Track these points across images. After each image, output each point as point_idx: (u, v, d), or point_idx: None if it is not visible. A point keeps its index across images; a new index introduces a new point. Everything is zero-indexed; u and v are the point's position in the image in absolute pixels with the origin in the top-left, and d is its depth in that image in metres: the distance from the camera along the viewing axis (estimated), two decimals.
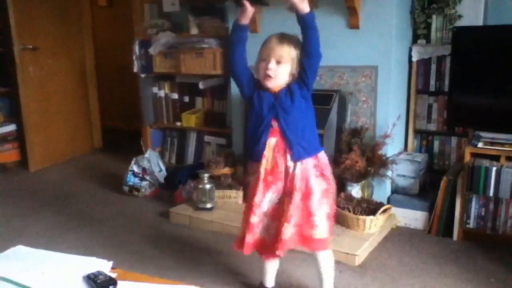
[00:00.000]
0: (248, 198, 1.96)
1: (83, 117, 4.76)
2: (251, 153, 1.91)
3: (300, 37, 1.79)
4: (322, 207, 1.87)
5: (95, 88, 4.85)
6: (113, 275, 1.29)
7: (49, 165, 4.31)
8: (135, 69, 3.89)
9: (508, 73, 2.59)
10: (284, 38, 1.79)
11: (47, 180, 3.98)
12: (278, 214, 1.88)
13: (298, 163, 1.83)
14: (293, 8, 1.73)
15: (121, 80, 5.38)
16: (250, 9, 1.76)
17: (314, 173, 1.86)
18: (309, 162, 1.85)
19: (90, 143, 4.86)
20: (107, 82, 5.34)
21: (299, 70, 1.80)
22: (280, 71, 1.78)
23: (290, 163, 1.84)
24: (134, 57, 3.85)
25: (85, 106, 4.77)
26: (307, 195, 1.85)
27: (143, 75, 3.93)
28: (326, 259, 1.98)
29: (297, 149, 1.82)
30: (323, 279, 2.00)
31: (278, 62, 1.77)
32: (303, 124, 1.84)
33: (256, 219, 1.88)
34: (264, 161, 1.84)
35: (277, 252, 1.86)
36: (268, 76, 1.78)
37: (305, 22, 1.73)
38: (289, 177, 1.85)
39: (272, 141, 1.84)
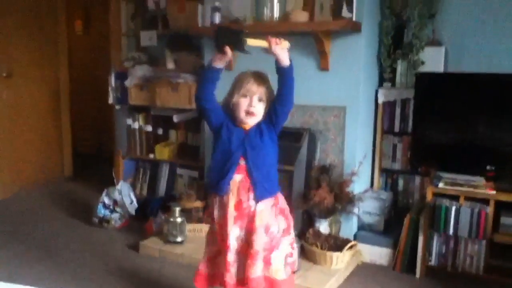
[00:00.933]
0: (212, 234, 1.99)
1: (55, 145, 4.74)
2: (214, 186, 1.93)
3: (269, 75, 1.89)
4: (282, 247, 1.93)
5: (68, 115, 4.86)
6: None
7: (17, 192, 4.24)
8: (111, 100, 3.94)
9: (466, 118, 2.77)
10: (262, 77, 1.87)
11: (14, 208, 3.92)
12: (246, 253, 1.91)
13: (259, 203, 1.87)
14: (270, 53, 1.81)
15: (94, 108, 5.40)
16: (229, 56, 1.80)
17: (274, 212, 1.91)
18: (268, 202, 1.89)
19: (61, 171, 4.83)
20: (81, 109, 5.35)
21: (270, 113, 1.88)
22: (262, 109, 1.86)
23: (252, 202, 1.87)
24: (109, 89, 3.91)
25: (57, 134, 4.76)
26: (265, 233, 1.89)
27: (118, 107, 3.97)
28: None
29: (260, 189, 1.86)
30: None
31: (260, 100, 1.85)
32: (269, 164, 1.90)
33: (232, 257, 1.90)
34: (231, 197, 1.87)
35: None
36: (251, 113, 1.84)
37: (285, 73, 1.81)
38: (249, 217, 1.88)
39: (237, 178, 1.87)
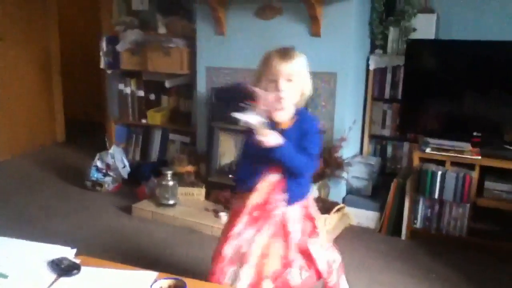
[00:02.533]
0: (225, 228, 1.84)
1: (46, 109, 4.72)
2: (243, 183, 1.78)
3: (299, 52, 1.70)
4: (316, 246, 1.80)
5: (59, 80, 4.83)
6: (77, 261, 1.37)
7: (9, 157, 4.25)
8: (102, 65, 3.92)
9: (455, 85, 2.80)
10: (289, 53, 1.65)
11: (6, 172, 3.95)
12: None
13: (290, 207, 1.74)
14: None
15: (86, 73, 5.36)
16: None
17: (300, 215, 1.78)
18: (298, 205, 1.77)
19: (53, 136, 4.83)
20: (72, 74, 5.31)
21: None
22: (292, 91, 1.64)
23: (281, 204, 1.73)
24: (101, 53, 3.88)
25: (49, 98, 4.74)
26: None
27: (109, 71, 3.96)
28: None
29: (292, 192, 1.72)
30: None
31: (289, 80, 1.63)
32: None
33: (229, 250, 1.73)
34: (255, 195, 1.72)
35: None
36: (280, 98, 1.62)
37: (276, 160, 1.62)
38: (279, 220, 1.73)
39: (271, 178, 1.72)
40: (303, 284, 1.77)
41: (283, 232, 1.74)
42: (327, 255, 1.85)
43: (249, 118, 1.56)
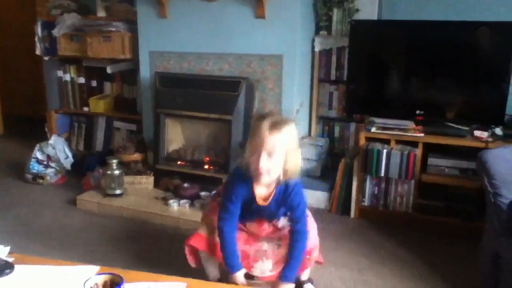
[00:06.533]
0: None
1: None
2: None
3: (293, 121, 1.68)
4: None
5: None
6: (10, 260, 1.28)
7: None
8: (38, 52, 3.72)
9: (397, 64, 2.85)
10: (275, 126, 1.61)
11: None
12: None
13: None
14: None
15: (23, 63, 5.06)
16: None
17: None
18: None
19: None
20: (8, 64, 5.00)
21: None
22: (273, 165, 1.63)
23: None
24: (36, 39, 3.67)
25: None
26: None
27: (46, 58, 3.76)
28: None
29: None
30: None
31: (270, 155, 1.61)
32: None
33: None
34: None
35: None
36: (260, 172, 1.63)
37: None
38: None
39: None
40: None
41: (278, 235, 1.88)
42: None
43: None
